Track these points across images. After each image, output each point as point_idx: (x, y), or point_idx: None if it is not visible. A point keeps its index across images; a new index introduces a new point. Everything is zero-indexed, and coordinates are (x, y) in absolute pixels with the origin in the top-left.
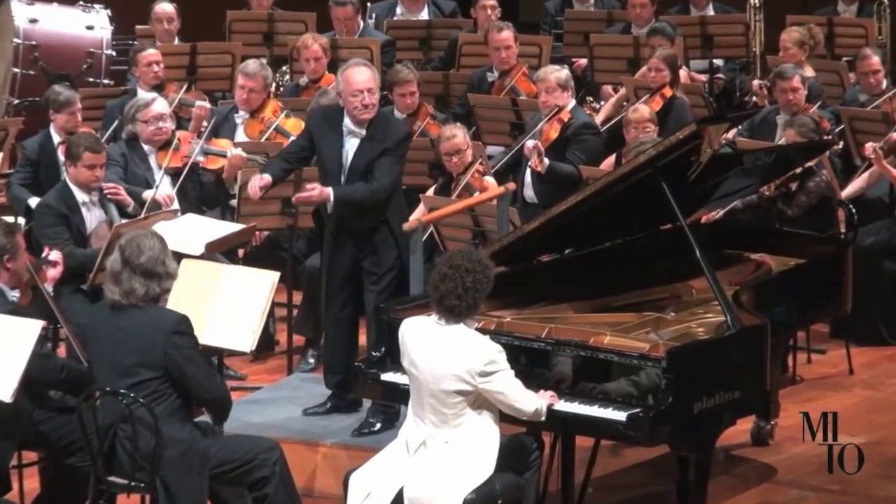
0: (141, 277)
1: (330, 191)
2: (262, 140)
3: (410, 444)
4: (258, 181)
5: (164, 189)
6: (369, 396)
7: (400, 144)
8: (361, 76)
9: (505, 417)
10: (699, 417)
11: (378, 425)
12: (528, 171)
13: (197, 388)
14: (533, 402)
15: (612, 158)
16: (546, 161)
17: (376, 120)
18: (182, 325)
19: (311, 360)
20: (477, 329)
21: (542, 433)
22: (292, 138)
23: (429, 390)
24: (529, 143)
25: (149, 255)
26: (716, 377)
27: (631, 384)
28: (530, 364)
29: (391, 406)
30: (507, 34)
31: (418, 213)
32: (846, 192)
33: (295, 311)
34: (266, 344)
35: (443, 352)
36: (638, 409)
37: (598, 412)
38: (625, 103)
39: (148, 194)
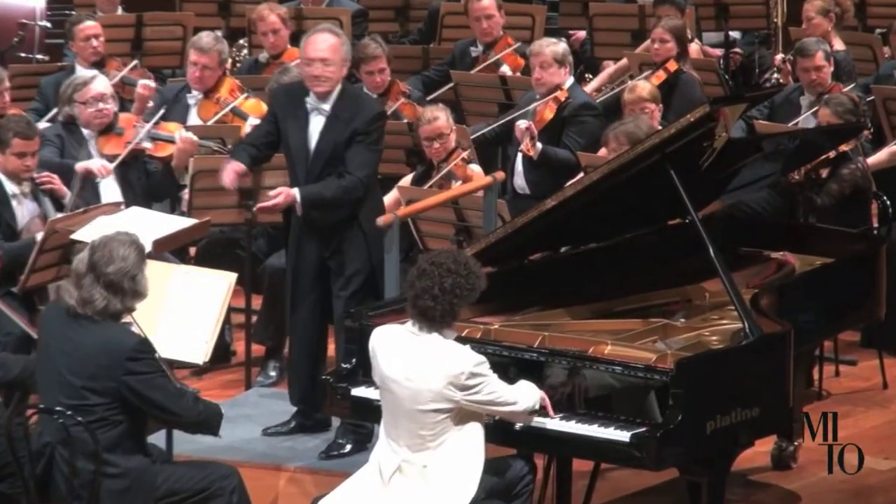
0: (104, 289)
1: (296, 192)
2: (218, 123)
3: (384, 470)
4: (232, 167)
5: (99, 159)
6: (338, 415)
7: (371, 126)
8: (314, 44)
9: (492, 437)
10: (713, 437)
11: (348, 447)
12: (519, 159)
13: (164, 416)
14: (526, 398)
15: None
16: (539, 145)
17: (345, 95)
18: (139, 351)
19: (273, 373)
20: (458, 338)
21: (535, 456)
22: (251, 121)
23: (403, 409)
24: (521, 124)
25: (118, 267)
26: (731, 392)
27: (635, 400)
28: (521, 377)
29: (363, 426)
30: (488, 2)
31: (392, 205)
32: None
33: (254, 318)
34: (221, 355)
35: (418, 365)
36: (643, 428)
37: (597, 431)
38: (628, 80)
39: (81, 165)
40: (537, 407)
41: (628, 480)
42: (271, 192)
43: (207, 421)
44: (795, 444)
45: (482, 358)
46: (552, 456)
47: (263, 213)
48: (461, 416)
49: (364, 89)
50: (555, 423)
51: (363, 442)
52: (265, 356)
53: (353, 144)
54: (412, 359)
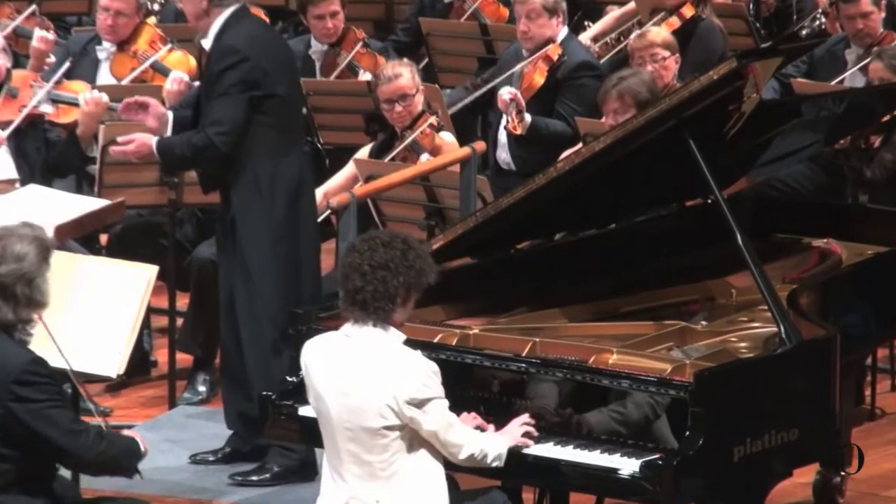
0: None
1: (153, 142)
2: (135, 82)
3: None
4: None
5: None
6: (283, 439)
7: (220, 66)
8: None
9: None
10: (741, 466)
11: (276, 469)
12: (504, 127)
13: (57, 456)
14: (476, 442)
15: None
16: (527, 118)
17: (220, 33)
18: (29, 373)
19: (202, 389)
20: (428, 346)
21: (522, 488)
22: (174, 76)
23: (345, 433)
24: (504, 94)
25: (12, 269)
26: (764, 411)
27: (645, 420)
28: (505, 393)
29: (293, 449)
30: None
31: (348, 183)
32: None
33: (179, 321)
34: (139, 366)
35: (355, 374)
36: (656, 456)
37: (599, 459)
38: (636, 28)
39: None
40: (499, 463)
41: None
42: (120, 138)
43: (115, 461)
44: (843, 474)
45: (435, 367)
46: (544, 490)
47: (116, 156)
48: (415, 437)
49: (312, 39)
50: (547, 450)
51: (297, 471)
52: (193, 368)
53: (214, 96)
54: (348, 367)
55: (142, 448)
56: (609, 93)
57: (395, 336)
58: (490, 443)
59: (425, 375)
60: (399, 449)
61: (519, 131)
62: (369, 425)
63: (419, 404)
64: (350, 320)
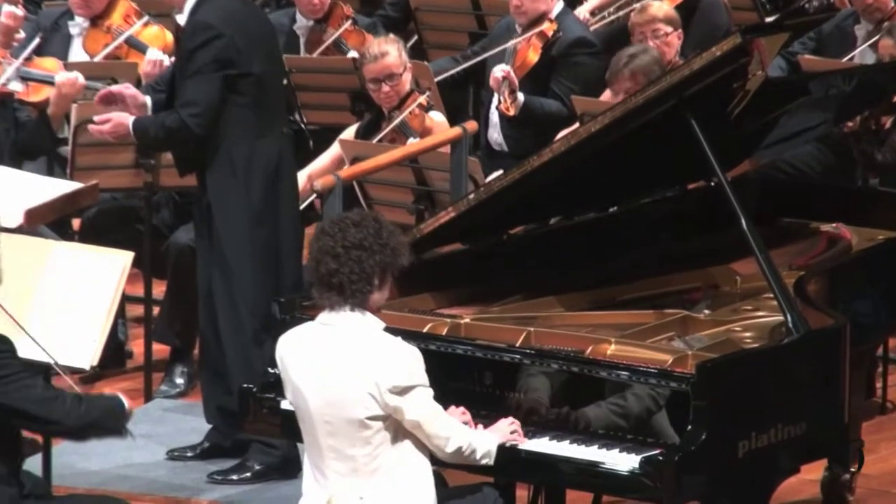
0: None
1: (130, 123)
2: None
3: None
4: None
5: None
6: (264, 433)
7: (192, 43)
8: None
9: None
10: (746, 462)
11: (257, 467)
12: (495, 107)
13: (37, 427)
14: (461, 436)
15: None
16: (520, 98)
17: (195, 7)
18: None
19: (180, 381)
20: (417, 336)
21: (516, 485)
22: (151, 55)
23: (326, 428)
24: (497, 72)
25: None
26: (770, 404)
27: (647, 413)
28: (498, 385)
29: (274, 445)
30: None
31: (333, 165)
32: None
33: (156, 309)
34: (114, 357)
35: (337, 363)
36: (656, 451)
37: (597, 455)
38: (636, 2)
39: None
40: (488, 461)
41: None
42: (98, 118)
43: (101, 421)
44: (853, 470)
45: (418, 352)
46: (539, 487)
47: (94, 134)
48: (399, 429)
49: (297, 13)
50: (542, 445)
51: (278, 468)
52: (170, 359)
53: (184, 73)
54: (326, 357)
55: (126, 406)
56: (621, 72)
57: (374, 322)
58: (479, 438)
59: (408, 362)
60: (382, 442)
61: (512, 112)
62: (351, 416)
63: (402, 392)
64: (326, 308)
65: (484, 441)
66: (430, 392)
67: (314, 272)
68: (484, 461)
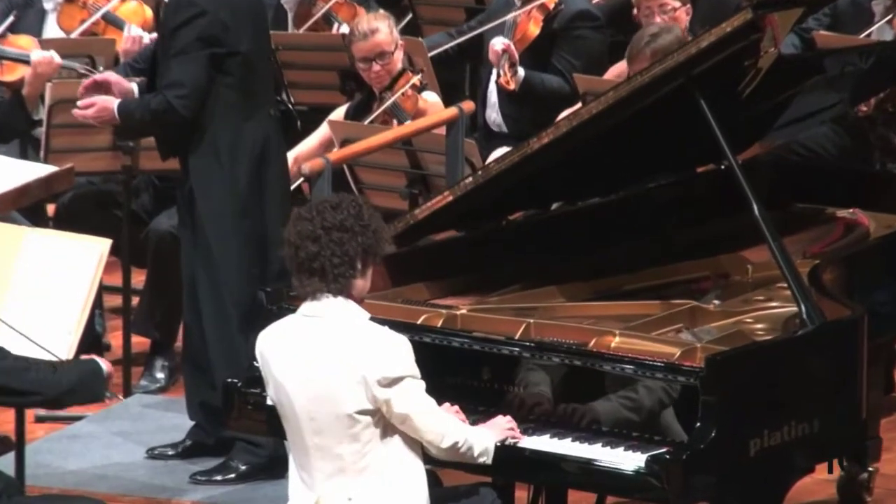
0: None
1: (114, 106)
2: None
3: None
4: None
5: None
6: (249, 430)
7: (174, 21)
8: None
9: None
10: (758, 461)
11: (242, 468)
12: (493, 84)
13: (13, 400)
14: (457, 432)
15: (622, 64)
16: (521, 72)
17: None
18: None
19: (160, 375)
20: (410, 328)
21: (515, 485)
22: (131, 31)
23: (311, 425)
24: (496, 45)
25: None
26: (783, 399)
27: (659, 405)
28: (496, 380)
29: (260, 444)
30: None
31: (321, 147)
32: None
33: (135, 300)
34: (91, 350)
35: (321, 355)
36: (663, 449)
37: (601, 454)
38: None
39: None
40: (486, 459)
41: None
42: (81, 102)
43: (78, 386)
44: (871, 469)
45: (405, 341)
46: (540, 488)
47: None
48: (389, 425)
49: None
50: (543, 443)
51: (264, 468)
52: (150, 353)
53: (168, 52)
54: (309, 350)
55: (105, 369)
56: (642, 51)
57: (359, 311)
58: (476, 434)
59: (396, 351)
60: (371, 438)
61: (511, 86)
62: (338, 411)
63: (391, 383)
64: (307, 298)
65: (481, 438)
66: (422, 384)
67: (293, 259)
68: (481, 459)
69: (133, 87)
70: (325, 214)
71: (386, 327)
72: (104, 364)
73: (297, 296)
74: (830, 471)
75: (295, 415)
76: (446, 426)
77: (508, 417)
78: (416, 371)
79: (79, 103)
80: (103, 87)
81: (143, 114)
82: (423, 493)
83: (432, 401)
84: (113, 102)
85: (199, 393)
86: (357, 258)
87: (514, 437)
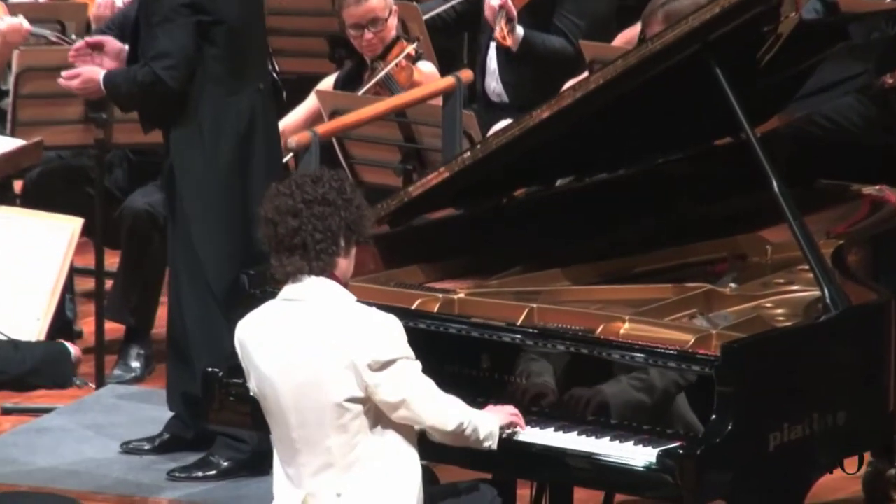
0: None
1: (100, 77)
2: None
3: None
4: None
5: None
6: (231, 423)
7: None
8: None
9: (452, 454)
10: (778, 456)
11: (223, 464)
12: (492, 52)
13: None
14: (459, 414)
15: (633, 30)
16: (519, 30)
17: None
18: None
19: (136, 365)
20: (405, 313)
21: (517, 483)
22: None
23: (296, 417)
24: (493, 0)
25: None
26: (805, 390)
27: (664, 402)
28: (496, 369)
29: (242, 439)
30: None
31: (308, 119)
32: None
33: (109, 283)
34: (61, 337)
35: (306, 341)
36: (676, 443)
37: (609, 448)
38: None
39: None
40: (492, 443)
41: None
42: (66, 73)
43: (43, 367)
44: None
45: (396, 321)
46: (543, 484)
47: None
48: (380, 412)
49: None
50: (547, 436)
51: (247, 464)
52: (125, 340)
53: (151, 20)
54: (292, 335)
55: (72, 353)
56: (654, 14)
57: (344, 292)
58: (481, 416)
59: (386, 332)
60: (361, 429)
61: (508, 42)
62: (325, 401)
63: (383, 367)
64: (288, 280)
65: (486, 420)
66: (418, 365)
67: (272, 237)
68: (487, 444)
69: (125, 48)
70: (304, 188)
71: (374, 308)
72: (72, 347)
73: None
74: (860, 466)
75: (279, 407)
76: (449, 408)
77: (512, 409)
78: (410, 352)
79: (63, 74)
80: (96, 49)
81: (129, 87)
82: (417, 486)
83: (431, 381)
84: (99, 73)
85: (181, 383)
86: (340, 234)
87: (518, 425)
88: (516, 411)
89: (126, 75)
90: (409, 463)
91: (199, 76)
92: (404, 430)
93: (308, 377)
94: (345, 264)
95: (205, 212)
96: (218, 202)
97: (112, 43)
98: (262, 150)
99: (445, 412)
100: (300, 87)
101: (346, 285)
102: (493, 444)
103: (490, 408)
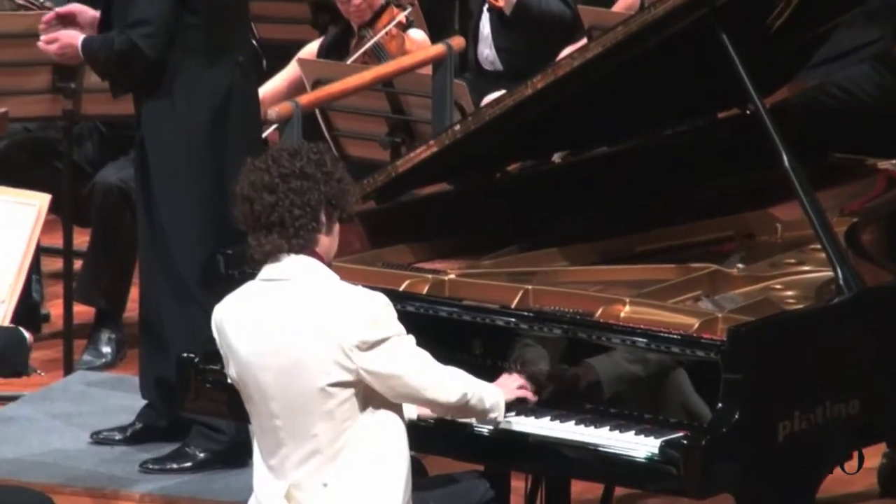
0: None
1: (79, 42)
2: None
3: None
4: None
5: None
6: (207, 412)
7: None
8: None
9: (443, 446)
10: (787, 447)
11: (199, 455)
12: (486, 17)
13: None
14: (462, 383)
15: None
16: None
17: None
18: None
19: (106, 350)
20: (392, 295)
21: (510, 474)
22: None
23: (279, 405)
24: None
25: None
26: (816, 377)
27: (667, 389)
28: (489, 354)
29: (219, 429)
30: None
31: (289, 89)
32: None
33: (78, 263)
34: (28, 320)
35: (288, 323)
36: (680, 433)
37: (609, 439)
38: None
39: None
40: (498, 415)
41: None
42: (45, 37)
43: (7, 354)
44: None
45: (383, 297)
46: (539, 476)
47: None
48: (369, 398)
49: None
50: (541, 427)
51: (224, 455)
52: (95, 323)
53: None
54: (273, 317)
55: (27, 338)
56: None
57: (327, 271)
58: (485, 387)
59: (374, 309)
60: (349, 416)
61: (502, 4)
62: (309, 386)
63: (372, 347)
64: (266, 261)
65: (490, 390)
66: (411, 339)
67: (248, 215)
68: (493, 414)
69: (98, 15)
70: (281, 162)
71: (360, 286)
72: (27, 335)
73: (262, 259)
74: (860, 466)
75: (260, 393)
76: (450, 380)
77: (515, 375)
78: (401, 328)
79: (42, 37)
80: (67, 21)
81: (107, 55)
82: (405, 476)
83: (427, 354)
84: (77, 38)
85: (154, 369)
86: (320, 209)
87: (526, 397)
88: (524, 382)
89: (103, 42)
90: (398, 451)
91: (176, 46)
92: (393, 417)
93: (290, 362)
94: (327, 241)
95: (176, 188)
96: (190, 178)
97: (85, 13)
98: (239, 125)
99: (446, 384)
100: (280, 55)
101: (329, 265)
102: (499, 415)
103: (495, 382)
